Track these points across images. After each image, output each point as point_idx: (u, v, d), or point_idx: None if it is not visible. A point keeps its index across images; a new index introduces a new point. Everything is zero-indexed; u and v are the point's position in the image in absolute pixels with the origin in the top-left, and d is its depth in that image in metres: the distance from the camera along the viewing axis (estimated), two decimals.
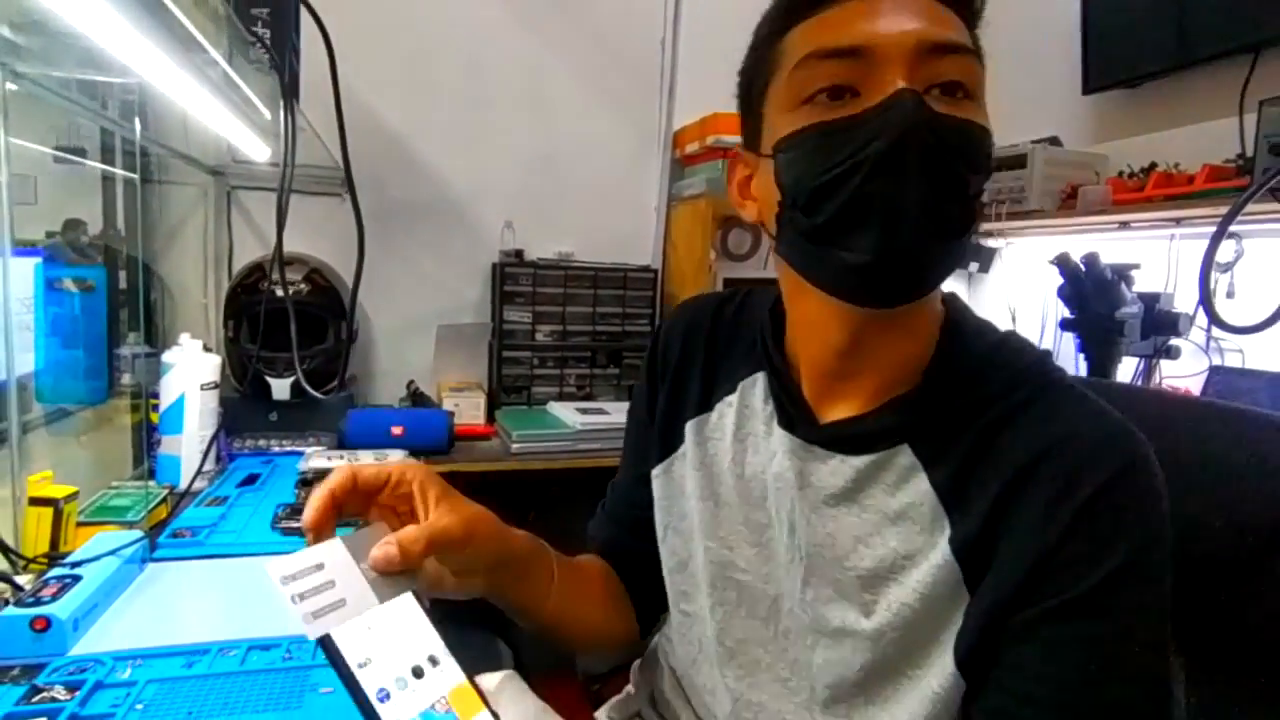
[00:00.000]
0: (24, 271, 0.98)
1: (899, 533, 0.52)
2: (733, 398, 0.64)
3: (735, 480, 0.62)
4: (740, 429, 0.63)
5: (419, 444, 1.60)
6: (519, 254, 2.05)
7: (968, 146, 0.48)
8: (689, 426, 0.66)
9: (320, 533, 0.49)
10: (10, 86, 0.95)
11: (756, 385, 0.63)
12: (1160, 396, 0.95)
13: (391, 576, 0.47)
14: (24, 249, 0.98)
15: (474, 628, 0.57)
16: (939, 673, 0.51)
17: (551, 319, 2.02)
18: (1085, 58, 1.62)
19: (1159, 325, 1.42)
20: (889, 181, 0.47)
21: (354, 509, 0.51)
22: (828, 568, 0.55)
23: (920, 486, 0.52)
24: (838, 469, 0.55)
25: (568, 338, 2.04)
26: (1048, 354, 0.56)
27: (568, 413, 1.86)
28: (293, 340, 1.18)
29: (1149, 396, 0.79)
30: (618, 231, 2.20)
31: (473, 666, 0.46)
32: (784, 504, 0.58)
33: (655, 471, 0.69)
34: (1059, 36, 1.70)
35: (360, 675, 0.42)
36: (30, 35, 0.91)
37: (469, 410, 1.88)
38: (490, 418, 1.93)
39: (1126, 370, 1.48)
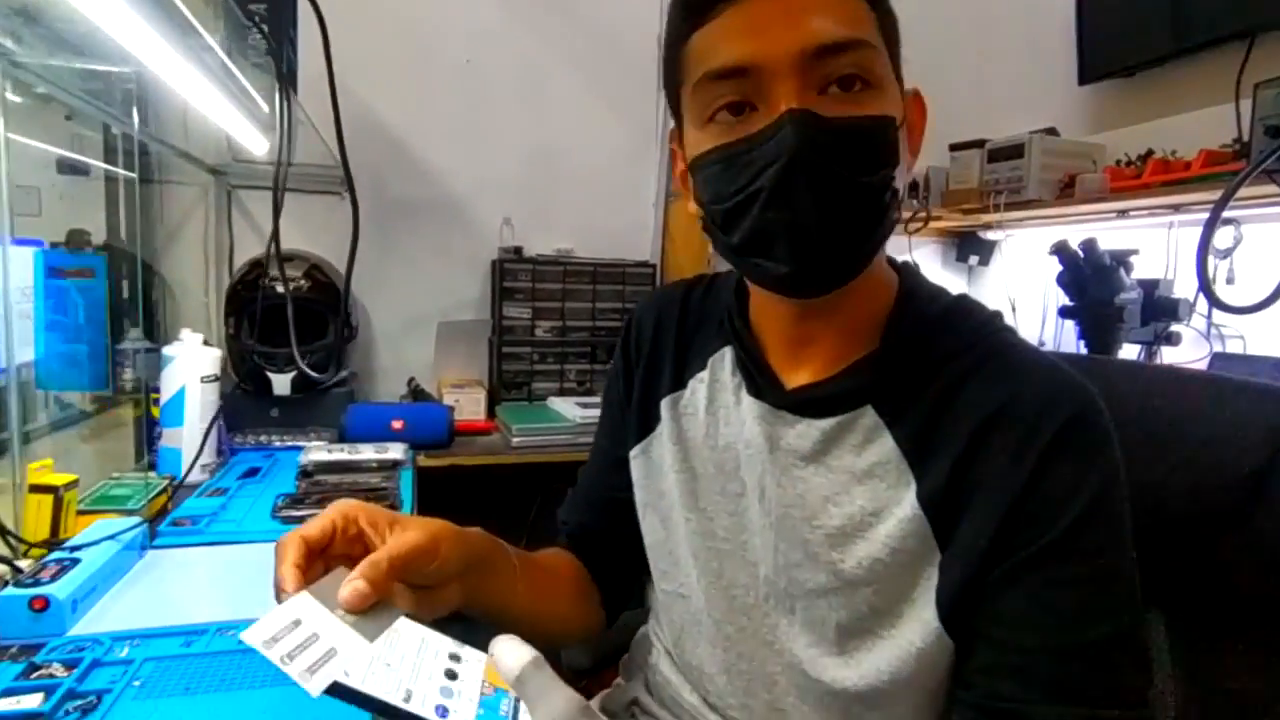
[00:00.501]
0: (23, 260, 0.98)
1: (866, 490, 0.54)
2: (704, 374, 0.65)
3: (710, 452, 0.63)
4: (712, 403, 0.64)
5: (419, 438, 1.60)
6: (518, 250, 2.05)
7: (862, 147, 0.50)
8: (664, 404, 0.67)
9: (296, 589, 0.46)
10: (15, 99, 0.96)
11: (725, 359, 0.64)
12: (1135, 366, 0.97)
13: (371, 614, 0.45)
14: (24, 239, 0.99)
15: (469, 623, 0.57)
16: (919, 630, 0.51)
17: (551, 315, 2.03)
18: (1081, 49, 1.63)
19: (1159, 311, 1.42)
20: (785, 207, 0.49)
21: (316, 572, 0.48)
22: (798, 528, 0.56)
23: (885, 445, 0.54)
24: (805, 431, 0.57)
25: (567, 333, 2.05)
26: (998, 314, 0.58)
27: (568, 407, 1.86)
28: (291, 334, 1.19)
29: (1126, 366, 0.81)
30: (616, 227, 2.20)
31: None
32: (755, 469, 0.59)
33: (633, 452, 0.70)
34: (1054, 28, 1.70)
35: (413, 708, 0.41)
36: (28, 23, 0.92)
37: (469, 406, 1.88)
38: (491, 413, 1.93)
39: (1128, 357, 1.48)
